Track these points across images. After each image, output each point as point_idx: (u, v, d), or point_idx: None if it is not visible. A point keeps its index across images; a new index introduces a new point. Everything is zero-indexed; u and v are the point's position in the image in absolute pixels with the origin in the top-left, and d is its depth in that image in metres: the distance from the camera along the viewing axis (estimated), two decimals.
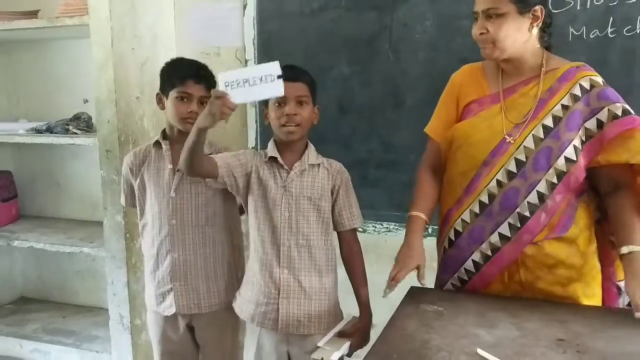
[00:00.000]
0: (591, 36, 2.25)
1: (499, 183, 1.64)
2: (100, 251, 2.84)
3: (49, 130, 2.95)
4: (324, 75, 2.63)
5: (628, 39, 2.21)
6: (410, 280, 2.29)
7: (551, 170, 1.59)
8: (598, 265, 1.69)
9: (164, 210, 2.06)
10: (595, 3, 2.23)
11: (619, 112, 1.56)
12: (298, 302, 1.85)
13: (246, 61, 2.81)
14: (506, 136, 1.64)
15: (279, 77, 1.54)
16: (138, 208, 2.15)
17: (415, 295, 1.72)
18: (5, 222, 3.21)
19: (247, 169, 1.87)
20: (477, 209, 1.67)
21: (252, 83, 1.55)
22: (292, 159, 1.87)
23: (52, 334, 3.10)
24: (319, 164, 1.89)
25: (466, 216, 1.69)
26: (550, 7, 1.68)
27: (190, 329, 2.14)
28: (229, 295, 2.09)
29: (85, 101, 3.16)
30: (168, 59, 2.16)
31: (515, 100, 1.67)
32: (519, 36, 1.61)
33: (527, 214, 1.60)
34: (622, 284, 1.67)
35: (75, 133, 2.91)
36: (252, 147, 2.83)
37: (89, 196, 3.26)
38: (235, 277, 2.15)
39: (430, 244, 2.52)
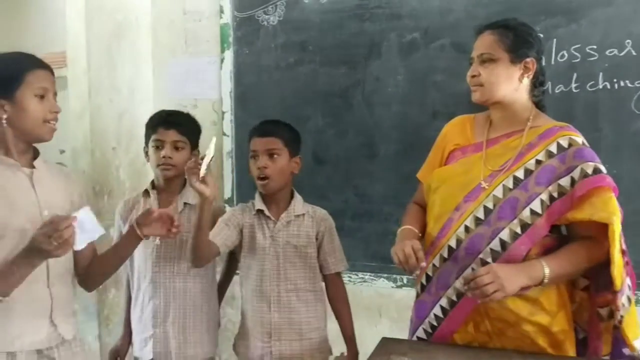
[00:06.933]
0: (556, 91, 2.33)
1: (466, 228, 1.66)
2: None
3: None
4: (299, 126, 2.64)
5: (591, 94, 2.30)
6: (384, 331, 2.29)
7: (516, 221, 1.61)
8: (568, 330, 1.67)
9: (148, 258, 2.08)
10: (559, 60, 2.33)
11: (590, 171, 1.58)
12: (290, 344, 1.93)
13: (223, 113, 2.85)
14: (482, 181, 1.67)
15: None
16: None
17: (386, 345, 1.71)
18: None
19: (240, 227, 1.96)
20: (445, 254, 1.69)
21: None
22: (278, 209, 1.97)
23: None
24: (304, 214, 1.98)
25: (436, 261, 1.71)
26: (543, 64, 1.74)
27: None
28: (203, 347, 2.10)
29: (62, 152, 3.16)
30: (145, 111, 2.20)
31: (495, 150, 1.71)
32: (509, 84, 1.67)
33: (489, 260, 1.61)
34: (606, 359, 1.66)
35: None
36: (228, 198, 2.84)
37: None
38: (212, 329, 2.15)
39: (406, 294, 2.55)
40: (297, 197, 2.00)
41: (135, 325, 2.13)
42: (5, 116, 1.54)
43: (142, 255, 2.10)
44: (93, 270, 1.75)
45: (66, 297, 1.67)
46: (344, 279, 2.62)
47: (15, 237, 1.50)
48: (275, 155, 1.90)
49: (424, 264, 1.63)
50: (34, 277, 1.50)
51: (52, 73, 1.63)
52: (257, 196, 1.98)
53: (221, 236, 1.90)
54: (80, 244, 1.44)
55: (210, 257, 1.90)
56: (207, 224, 1.74)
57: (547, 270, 1.55)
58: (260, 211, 1.95)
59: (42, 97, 1.57)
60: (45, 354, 1.59)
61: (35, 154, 1.66)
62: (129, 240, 1.76)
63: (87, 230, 1.45)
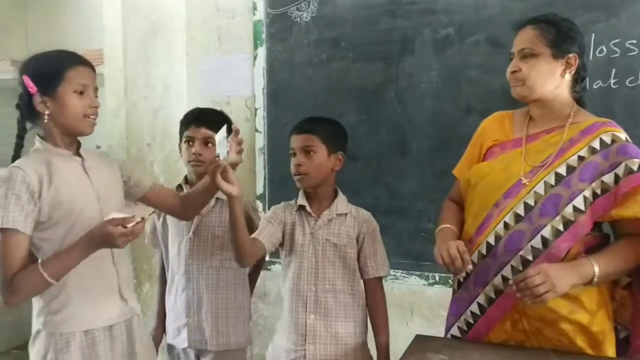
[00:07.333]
0: (595, 87, 2.28)
1: (505, 225, 1.64)
2: None
3: None
4: None
5: (631, 90, 2.24)
6: (416, 329, 2.27)
7: (558, 217, 1.59)
8: (608, 330, 1.64)
9: (182, 250, 2.15)
10: (598, 55, 2.28)
11: (635, 167, 1.55)
12: (325, 347, 1.89)
13: (255, 110, 2.87)
14: (522, 177, 1.65)
15: (226, 137, 1.68)
16: (162, 246, 2.26)
17: (420, 343, 1.70)
18: None
19: (283, 224, 1.96)
20: (484, 250, 1.67)
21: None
22: (321, 207, 1.95)
23: None
24: (346, 213, 1.95)
25: (474, 257, 1.69)
26: (584, 60, 1.71)
27: None
28: (237, 337, 2.15)
29: (98, 147, 3.21)
30: (179, 108, 2.23)
31: (536, 146, 1.69)
32: (550, 80, 1.65)
33: (530, 257, 1.60)
34: None
35: None
36: (260, 194, 2.85)
37: None
38: (244, 320, 2.20)
39: (438, 292, 2.53)
40: (341, 196, 1.98)
41: (168, 313, 2.21)
42: (47, 112, 1.61)
43: (175, 248, 2.17)
44: (189, 204, 1.90)
45: (128, 274, 1.80)
46: None
47: (77, 218, 1.61)
48: (311, 153, 1.89)
49: (470, 266, 1.61)
50: (102, 257, 1.63)
51: (93, 69, 1.70)
52: (300, 193, 1.97)
53: (265, 233, 1.89)
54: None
55: (256, 255, 1.86)
56: (241, 221, 1.73)
57: (596, 269, 1.52)
58: (302, 207, 1.94)
59: (81, 93, 1.63)
60: (118, 329, 1.71)
61: (79, 144, 1.74)
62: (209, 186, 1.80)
63: None
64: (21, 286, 1.54)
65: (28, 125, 1.68)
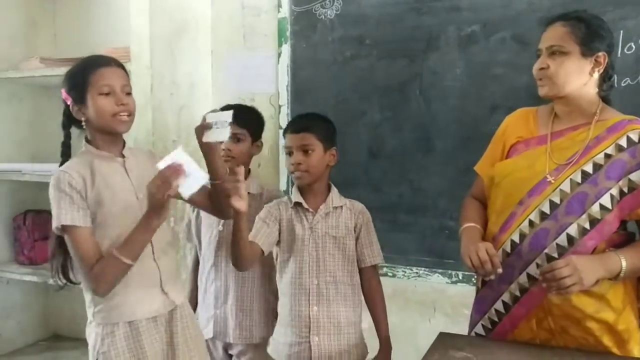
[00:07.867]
0: (622, 84, 2.25)
1: (530, 223, 1.64)
2: None
3: None
4: (355, 120, 2.69)
5: None
6: (438, 326, 2.26)
7: (584, 216, 1.58)
8: (634, 329, 1.63)
9: (212, 243, 2.22)
10: (626, 52, 2.25)
11: None
12: (328, 337, 1.93)
13: (279, 107, 2.88)
14: (547, 175, 1.64)
15: (230, 124, 1.68)
16: (196, 239, 2.32)
17: (444, 340, 1.70)
18: (43, 261, 3.28)
19: (279, 221, 1.99)
20: (508, 249, 1.67)
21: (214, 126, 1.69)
22: (316, 201, 1.99)
23: None
24: (342, 206, 2.00)
25: (498, 255, 1.67)
26: (613, 59, 1.69)
27: (230, 355, 2.27)
28: (262, 331, 2.20)
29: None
30: (204, 105, 2.26)
31: (561, 143, 1.68)
32: (578, 78, 1.63)
33: (555, 255, 1.59)
34: None
35: None
36: (284, 191, 2.87)
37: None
38: (268, 314, 2.24)
39: (461, 290, 2.52)
40: (334, 190, 2.03)
41: (200, 305, 2.27)
42: (84, 118, 1.70)
43: (206, 240, 2.23)
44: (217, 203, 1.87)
45: (171, 268, 1.85)
46: (397, 273, 2.65)
47: (118, 217, 1.68)
48: (309, 151, 1.93)
49: (500, 270, 1.60)
50: (142, 253, 1.68)
51: (120, 66, 1.75)
52: (294, 190, 2.01)
53: (261, 235, 1.92)
54: (188, 190, 1.56)
55: (253, 259, 1.89)
56: (244, 236, 1.77)
57: (624, 263, 1.52)
58: (298, 204, 1.98)
59: (107, 94, 1.68)
60: (160, 320, 1.77)
61: (124, 144, 1.80)
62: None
63: (190, 172, 1.55)
64: (104, 275, 1.63)
65: (76, 131, 1.77)
